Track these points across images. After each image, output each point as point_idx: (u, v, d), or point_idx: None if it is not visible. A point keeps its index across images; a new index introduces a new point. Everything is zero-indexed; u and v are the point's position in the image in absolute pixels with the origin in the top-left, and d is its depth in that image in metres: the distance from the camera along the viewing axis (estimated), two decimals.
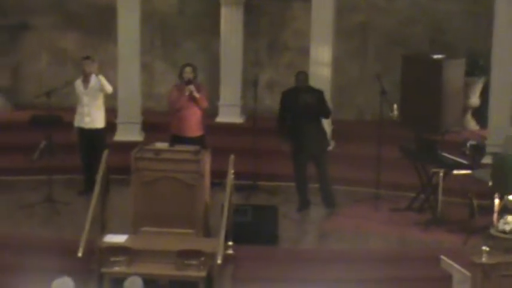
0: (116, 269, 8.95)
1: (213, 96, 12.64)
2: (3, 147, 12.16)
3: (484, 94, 12.84)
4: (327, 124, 11.66)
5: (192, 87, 11.04)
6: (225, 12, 13.16)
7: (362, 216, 10.86)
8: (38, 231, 10.22)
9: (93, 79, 11.16)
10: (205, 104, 11.19)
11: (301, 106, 10.76)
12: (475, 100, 13.20)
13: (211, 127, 11.87)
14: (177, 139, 10.91)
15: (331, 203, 11.01)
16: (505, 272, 8.15)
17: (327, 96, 11.40)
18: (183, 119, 11.12)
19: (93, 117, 11.17)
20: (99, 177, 9.48)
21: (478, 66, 13.00)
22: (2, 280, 9.16)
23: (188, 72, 11.12)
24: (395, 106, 11.12)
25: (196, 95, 11.04)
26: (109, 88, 11.14)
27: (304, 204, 10.99)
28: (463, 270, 8.84)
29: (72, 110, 11.45)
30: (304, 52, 12.79)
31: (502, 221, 8.35)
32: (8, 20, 13.60)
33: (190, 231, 9.60)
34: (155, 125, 12.61)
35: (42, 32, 13.85)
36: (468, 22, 13.30)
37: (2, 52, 13.59)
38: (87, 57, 11.36)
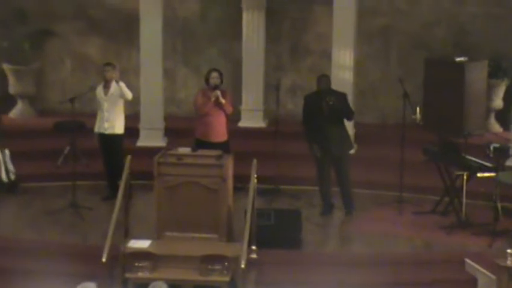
0: (140, 274, 8.97)
1: (235, 101, 12.64)
2: (27, 153, 12.22)
3: (507, 96, 12.77)
4: (349, 127, 11.64)
5: (218, 92, 11.06)
6: (246, 17, 13.17)
7: (386, 220, 10.82)
8: (62, 237, 10.26)
9: (114, 85, 11.21)
10: (230, 109, 11.21)
11: (325, 109, 10.74)
12: (498, 102, 13.13)
13: (234, 132, 11.87)
14: (202, 144, 10.92)
15: (350, 206, 10.95)
16: None
17: (349, 99, 11.37)
18: (209, 124, 11.14)
19: (112, 123, 11.21)
20: (122, 183, 9.51)
21: (501, 68, 12.94)
22: (26, 285, 9.20)
23: (215, 78, 11.13)
24: (418, 109, 11.08)
25: (223, 100, 11.06)
26: (129, 95, 11.19)
27: (327, 208, 10.97)
28: (488, 273, 8.81)
29: (95, 116, 11.51)
30: (326, 56, 12.78)
31: None
32: (31, 26, 13.68)
33: (213, 236, 9.61)
34: (177, 130, 12.63)
35: (65, 38, 13.91)
36: (491, 24, 13.23)
37: (26, 59, 13.66)
38: (108, 64, 11.43)
